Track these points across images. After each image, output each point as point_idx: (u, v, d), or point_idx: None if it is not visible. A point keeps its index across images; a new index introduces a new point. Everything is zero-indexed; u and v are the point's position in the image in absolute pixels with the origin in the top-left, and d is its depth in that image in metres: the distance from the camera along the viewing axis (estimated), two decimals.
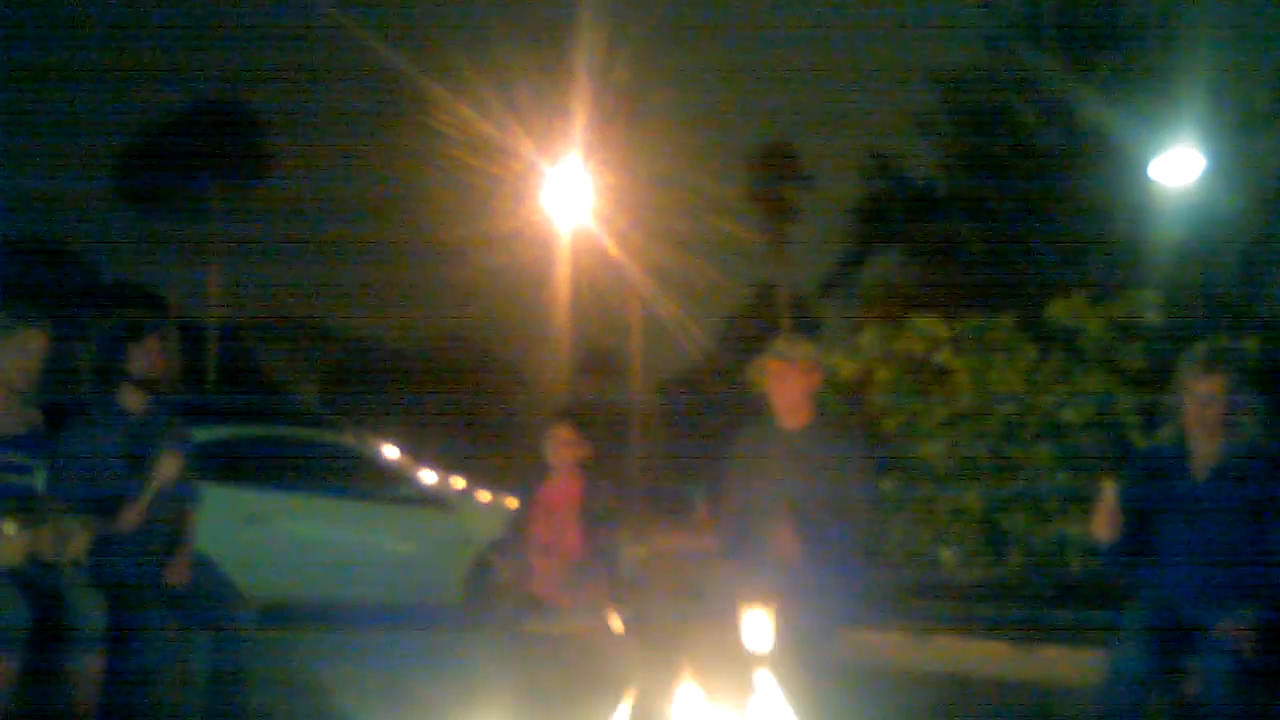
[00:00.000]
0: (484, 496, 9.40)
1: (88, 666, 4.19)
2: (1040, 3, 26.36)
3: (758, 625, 3.62)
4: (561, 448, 5.01)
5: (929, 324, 8.88)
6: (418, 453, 10.52)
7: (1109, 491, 3.98)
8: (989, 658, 7.12)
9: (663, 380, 37.19)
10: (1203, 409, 4.03)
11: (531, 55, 29.98)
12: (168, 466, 4.62)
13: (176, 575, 4.62)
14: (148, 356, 4.69)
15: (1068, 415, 8.44)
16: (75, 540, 4.29)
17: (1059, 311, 8.62)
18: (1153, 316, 8.54)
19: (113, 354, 4.70)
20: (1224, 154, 21.26)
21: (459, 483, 9.72)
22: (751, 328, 32.29)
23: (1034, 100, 26.28)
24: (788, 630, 4.11)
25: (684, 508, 15.70)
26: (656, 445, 31.94)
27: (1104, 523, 3.99)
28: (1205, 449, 4.06)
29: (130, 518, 4.52)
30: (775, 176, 33.37)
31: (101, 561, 4.43)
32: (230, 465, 8.13)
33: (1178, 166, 18.68)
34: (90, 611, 4.22)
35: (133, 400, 4.72)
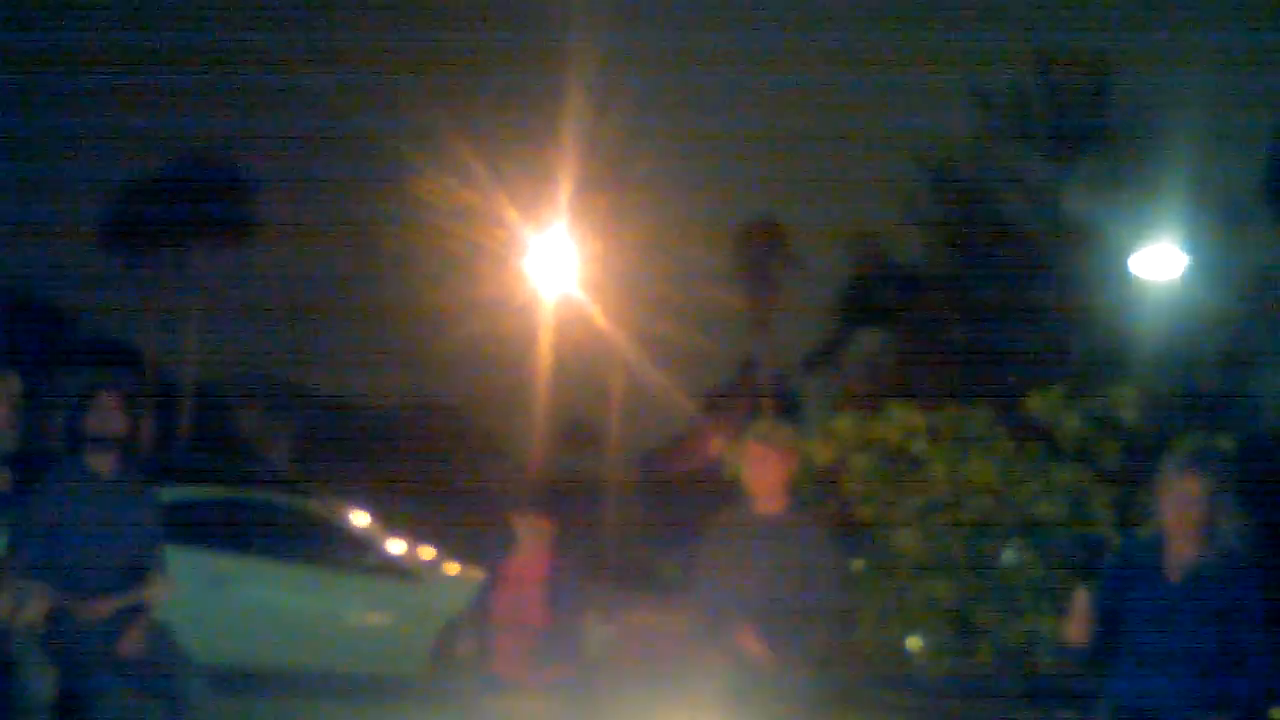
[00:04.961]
0: (453, 568, 9.28)
1: None
2: (1029, 99, 26.86)
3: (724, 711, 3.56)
4: (530, 523, 4.95)
5: (906, 413, 8.88)
6: (388, 520, 10.39)
7: (1082, 597, 3.92)
8: None
9: (643, 452, 37.07)
10: (1183, 510, 3.94)
11: (517, 122, 30.13)
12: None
13: (131, 645, 4.49)
14: (102, 416, 4.60)
15: (1042, 509, 8.42)
16: (32, 606, 4.18)
17: (1036, 405, 8.63)
18: (1130, 413, 8.53)
19: (72, 414, 4.63)
20: (1205, 251, 21.52)
21: (428, 553, 9.61)
22: (732, 402, 32.31)
23: (1020, 193, 26.73)
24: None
25: (657, 584, 15.57)
26: (633, 518, 31.76)
27: (1076, 627, 3.92)
28: (1181, 550, 3.97)
29: (99, 610, 4.45)
30: (761, 251, 33.53)
31: (56, 628, 4.31)
32: (194, 527, 8.02)
33: (1159, 262, 18.85)
34: (42, 679, 4.12)
35: (100, 462, 4.63)
